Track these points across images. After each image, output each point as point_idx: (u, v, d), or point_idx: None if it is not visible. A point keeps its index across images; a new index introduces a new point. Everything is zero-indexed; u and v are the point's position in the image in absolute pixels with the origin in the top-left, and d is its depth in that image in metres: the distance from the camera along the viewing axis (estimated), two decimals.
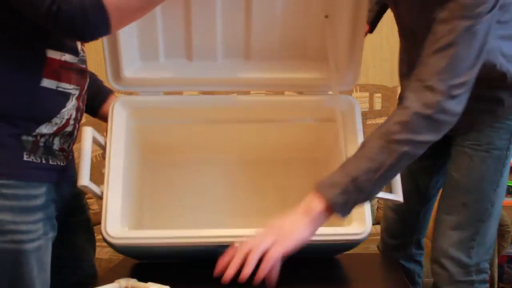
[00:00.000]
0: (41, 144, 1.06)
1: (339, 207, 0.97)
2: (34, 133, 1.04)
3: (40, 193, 1.05)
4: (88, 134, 1.12)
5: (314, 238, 0.97)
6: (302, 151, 1.45)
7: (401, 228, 1.51)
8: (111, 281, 1.06)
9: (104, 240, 1.13)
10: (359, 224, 1.15)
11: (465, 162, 1.31)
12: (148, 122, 1.36)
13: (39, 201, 1.05)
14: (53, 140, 1.09)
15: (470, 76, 0.99)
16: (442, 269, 1.35)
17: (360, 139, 1.23)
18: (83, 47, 1.15)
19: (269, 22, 1.21)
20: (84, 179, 1.07)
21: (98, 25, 0.93)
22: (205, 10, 1.18)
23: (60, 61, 1.05)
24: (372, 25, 1.62)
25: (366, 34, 1.64)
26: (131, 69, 1.26)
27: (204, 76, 1.28)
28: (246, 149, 1.46)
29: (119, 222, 1.15)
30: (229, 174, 1.47)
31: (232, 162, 1.47)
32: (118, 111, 1.25)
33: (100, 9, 0.91)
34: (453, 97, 0.98)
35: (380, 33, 2.18)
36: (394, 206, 1.50)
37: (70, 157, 1.19)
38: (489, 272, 1.37)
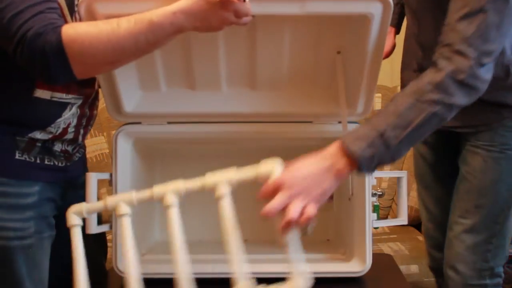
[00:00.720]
0: (39, 144, 1.06)
1: (365, 162, 0.92)
2: (27, 136, 1.04)
3: (32, 191, 1.05)
4: (92, 181, 1.11)
5: (313, 275, 0.94)
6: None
7: (441, 235, 1.46)
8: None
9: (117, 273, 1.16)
10: (359, 261, 1.15)
11: (478, 163, 1.29)
12: (153, 150, 1.36)
13: (30, 200, 1.05)
14: (53, 142, 1.09)
15: (499, 44, 0.99)
16: (455, 273, 1.33)
17: None
18: None
19: (276, 56, 1.15)
20: (92, 228, 1.07)
21: (58, 71, 0.89)
22: (207, 44, 1.13)
23: None
24: (397, 26, 1.61)
25: (393, 50, 1.60)
26: (131, 102, 1.21)
27: (208, 109, 1.24)
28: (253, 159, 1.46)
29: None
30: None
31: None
32: (121, 144, 1.24)
33: (61, 57, 0.87)
34: (482, 64, 0.97)
35: None
36: (429, 216, 1.50)
37: (76, 158, 1.18)
38: (503, 275, 1.35)
